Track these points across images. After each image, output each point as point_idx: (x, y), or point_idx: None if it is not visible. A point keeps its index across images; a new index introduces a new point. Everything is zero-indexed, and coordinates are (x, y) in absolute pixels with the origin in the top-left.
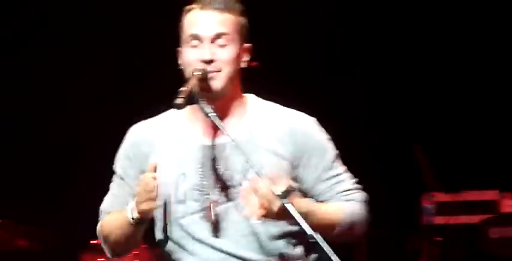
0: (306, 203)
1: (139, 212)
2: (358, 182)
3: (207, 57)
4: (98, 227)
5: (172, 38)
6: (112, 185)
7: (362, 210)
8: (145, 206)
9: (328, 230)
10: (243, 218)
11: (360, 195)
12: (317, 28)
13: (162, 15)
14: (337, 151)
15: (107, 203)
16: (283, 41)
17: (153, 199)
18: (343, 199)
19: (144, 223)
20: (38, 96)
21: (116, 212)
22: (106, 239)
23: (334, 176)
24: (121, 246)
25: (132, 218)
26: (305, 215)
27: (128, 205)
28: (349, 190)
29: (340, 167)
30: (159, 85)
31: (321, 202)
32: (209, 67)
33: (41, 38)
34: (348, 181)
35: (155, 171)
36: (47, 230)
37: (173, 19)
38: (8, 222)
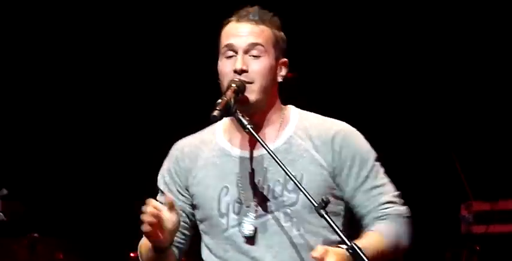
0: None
1: (151, 242)
2: (399, 194)
3: (239, 67)
4: (140, 243)
5: (212, 53)
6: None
7: (404, 226)
8: (151, 239)
9: (381, 259)
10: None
11: (401, 209)
12: (353, 40)
13: (204, 30)
14: (379, 162)
15: None
16: (321, 53)
17: (156, 233)
18: (383, 212)
19: (163, 250)
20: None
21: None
22: (142, 258)
23: (375, 187)
24: None
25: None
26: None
27: None
28: (390, 202)
29: (382, 178)
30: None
31: (361, 213)
32: (242, 78)
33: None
34: (389, 192)
35: (171, 207)
36: (83, 243)
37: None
38: (48, 238)
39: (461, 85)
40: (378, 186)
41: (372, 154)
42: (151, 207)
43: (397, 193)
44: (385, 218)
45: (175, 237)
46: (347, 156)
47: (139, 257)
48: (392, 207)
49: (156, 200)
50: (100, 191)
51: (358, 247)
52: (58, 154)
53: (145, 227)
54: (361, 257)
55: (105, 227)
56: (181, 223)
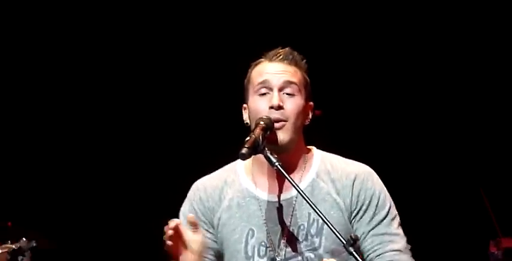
0: None
1: None
2: (411, 246)
3: (276, 103)
4: None
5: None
6: None
7: None
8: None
9: None
10: None
11: (408, 259)
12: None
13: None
14: (395, 212)
15: None
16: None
17: (177, 249)
18: (392, 259)
19: None
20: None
21: None
22: None
23: (388, 234)
24: None
25: None
26: None
27: None
28: (399, 250)
29: (396, 228)
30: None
31: (370, 257)
32: (276, 115)
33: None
34: (400, 241)
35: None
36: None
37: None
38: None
39: (487, 121)
40: (390, 234)
41: (388, 201)
42: (174, 224)
43: (408, 246)
44: None
45: None
46: (365, 199)
47: None
48: (403, 256)
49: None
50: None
51: None
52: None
53: (168, 242)
54: None
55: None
56: (210, 256)
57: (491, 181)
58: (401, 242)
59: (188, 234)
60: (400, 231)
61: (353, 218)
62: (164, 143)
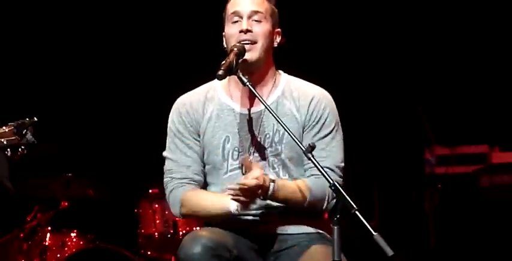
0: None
1: (241, 209)
2: (343, 164)
3: (245, 27)
4: (180, 195)
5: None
6: (170, 145)
7: (327, 193)
8: (247, 204)
9: (296, 206)
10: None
11: (336, 179)
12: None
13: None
14: (339, 134)
15: (174, 159)
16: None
17: (254, 200)
18: (316, 173)
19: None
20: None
21: (209, 195)
22: (193, 211)
23: (325, 150)
24: (207, 219)
25: (236, 211)
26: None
27: (231, 202)
28: (330, 168)
29: (335, 146)
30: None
31: (304, 167)
32: (246, 37)
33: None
34: (333, 159)
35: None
36: (109, 182)
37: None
38: (80, 177)
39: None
40: (327, 150)
41: (334, 123)
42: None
43: (342, 164)
44: (319, 178)
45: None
46: (316, 117)
47: (187, 209)
48: (330, 173)
49: (177, 148)
50: (124, 137)
51: (339, 184)
52: (89, 101)
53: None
54: (342, 192)
55: (127, 168)
56: (200, 162)
57: (428, 99)
58: (334, 159)
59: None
60: (337, 150)
61: (304, 131)
62: (155, 66)
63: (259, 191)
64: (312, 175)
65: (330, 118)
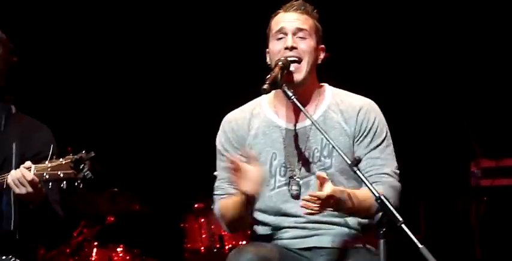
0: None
1: (245, 193)
2: (399, 171)
3: (290, 44)
4: (217, 205)
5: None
6: (218, 163)
7: (394, 197)
8: (249, 189)
9: (363, 214)
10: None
11: (396, 183)
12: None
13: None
14: (390, 141)
15: (220, 176)
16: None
17: (257, 186)
18: (381, 180)
19: (251, 203)
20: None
21: (232, 196)
22: (223, 216)
23: (381, 158)
24: (235, 222)
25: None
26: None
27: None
28: (389, 174)
29: (389, 154)
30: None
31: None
32: (291, 53)
33: None
34: (391, 167)
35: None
36: (154, 197)
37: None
38: (125, 192)
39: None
40: (383, 158)
41: (385, 131)
42: (233, 160)
43: (397, 170)
44: (382, 185)
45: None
46: (366, 128)
47: (221, 218)
48: (390, 178)
49: (222, 166)
50: (170, 152)
51: (385, 197)
52: (129, 115)
53: (231, 176)
54: (387, 205)
55: (173, 183)
56: None
57: (473, 112)
58: (391, 166)
59: (245, 166)
60: (392, 157)
61: (355, 142)
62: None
63: (331, 201)
64: (374, 183)
65: (380, 127)
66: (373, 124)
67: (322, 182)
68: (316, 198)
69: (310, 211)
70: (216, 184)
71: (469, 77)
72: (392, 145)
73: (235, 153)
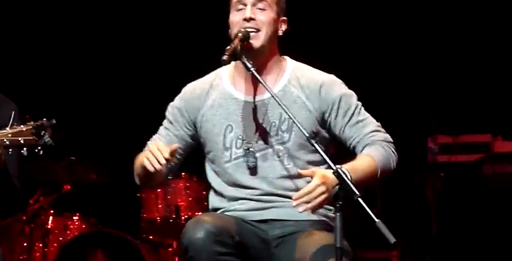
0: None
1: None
2: (380, 125)
3: (248, 15)
4: (136, 158)
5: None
6: (160, 128)
7: (390, 149)
8: (148, 165)
9: (373, 181)
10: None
11: (385, 135)
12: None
13: None
14: (360, 102)
15: (153, 140)
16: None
17: (158, 162)
18: (370, 140)
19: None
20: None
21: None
22: (135, 171)
23: (360, 121)
24: (142, 180)
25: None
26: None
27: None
28: (374, 130)
29: (364, 114)
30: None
31: (352, 144)
32: (249, 24)
33: None
34: (372, 124)
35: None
36: (112, 166)
37: None
38: (84, 161)
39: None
40: (362, 120)
41: (353, 96)
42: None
43: (378, 123)
44: (373, 144)
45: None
46: (333, 102)
47: (134, 169)
48: (377, 134)
49: (164, 126)
50: (128, 121)
51: (342, 171)
52: (95, 87)
53: (147, 166)
54: (344, 178)
55: (131, 153)
56: (179, 150)
57: (431, 88)
58: (372, 123)
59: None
60: (369, 116)
61: (328, 117)
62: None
63: (325, 187)
64: (365, 146)
65: (346, 96)
66: (340, 97)
67: (309, 176)
68: (306, 193)
69: (304, 208)
70: (148, 143)
71: (428, 53)
72: (361, 104)
73: (180, 119)
